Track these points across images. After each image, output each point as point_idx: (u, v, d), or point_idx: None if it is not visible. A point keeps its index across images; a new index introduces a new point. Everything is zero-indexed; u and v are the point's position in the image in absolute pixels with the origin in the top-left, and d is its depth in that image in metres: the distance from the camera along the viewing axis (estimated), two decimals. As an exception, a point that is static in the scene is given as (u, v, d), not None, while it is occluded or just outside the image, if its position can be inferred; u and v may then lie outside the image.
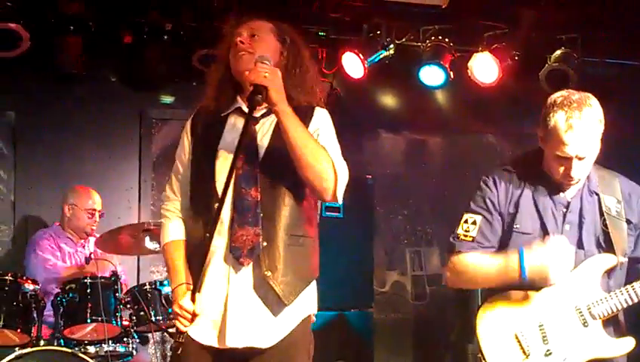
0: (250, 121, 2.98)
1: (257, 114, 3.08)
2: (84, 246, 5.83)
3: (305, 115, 3.05)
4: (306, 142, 2.93)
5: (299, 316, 3.08)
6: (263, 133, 3.09)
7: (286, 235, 3.01)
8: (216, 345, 3.01)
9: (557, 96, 3.25)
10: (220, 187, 2.95)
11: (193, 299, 2.96)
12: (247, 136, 2.95)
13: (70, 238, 5.81)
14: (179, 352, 3.00)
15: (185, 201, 3.17)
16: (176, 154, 3.24)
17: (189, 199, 3.15)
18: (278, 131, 2.99)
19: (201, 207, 3.05)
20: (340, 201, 3.03)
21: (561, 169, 3.23)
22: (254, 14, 3.21)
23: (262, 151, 3.04)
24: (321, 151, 2.96)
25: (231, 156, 2.95)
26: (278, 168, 3.01)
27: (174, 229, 3.18)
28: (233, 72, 3.11)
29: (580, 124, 3.14)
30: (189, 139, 3.18)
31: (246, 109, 3.03)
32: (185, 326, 2.99)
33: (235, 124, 3.11)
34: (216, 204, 2.91)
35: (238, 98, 3.14)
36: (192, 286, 2.99)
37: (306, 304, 3.10)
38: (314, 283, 3.16)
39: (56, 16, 6.05)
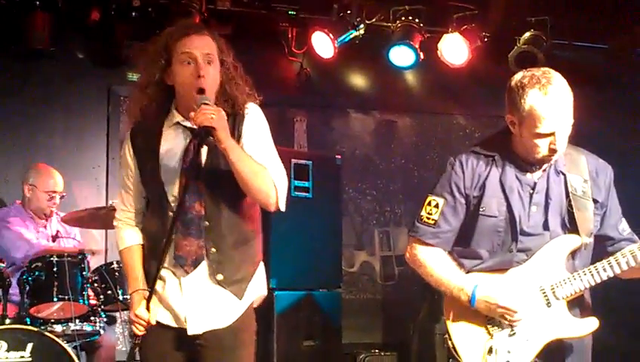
0: (192, 140, 3.15)
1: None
2: (45, 227, 5.76)
3: (235, 118, 3.18)
4: (251, 169, 3.09)
5: (249, 298, 3.25)
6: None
7: (232, 239, 3.19)
8: (175, 325, 3.21)
9: (520, 77, 3.25)
10: (171, 196, 3.15)
11: (148, 308, 3.14)
12: (192, 156, 3.13)
13: (32, 218, 5.74)
14: (136, 351, 3.22)
15: (139, 209, 3.32)
16: (122, 171, 3.35)
17: (147, 207, 3.31)
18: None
19: (157, 215, 3.22)
20: (284, 209, 3.20)
21: (544, 146, 3.22)
22: (202, 28, 3.25)
23: (203, 167, 3.16)
24: (264, 174, 3.12)
25: (174, 166, 3.16)
26: (219, 181, 3.15)
27: (129, 236, 3.33)
28: (179, 87, 3.17)
29: (556, 97, 3.16)
30: (132, 158, 3.28)
31: (186, 123, 3.17)
32: (140, 331, 3.17)
33: (174, 135, 3.21)
34: (171, 213, 3.12)
35: (175, 112, 3.22)
36: (147, 294, 3.15)
37: (255, 287, 3.27)
38: (261, 268, 3.33)
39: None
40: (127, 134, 3.31)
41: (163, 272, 3.17)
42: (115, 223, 3.39)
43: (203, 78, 3.08)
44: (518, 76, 3.27)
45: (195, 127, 3.05)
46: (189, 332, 3.17)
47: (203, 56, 3.11)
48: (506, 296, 3.25)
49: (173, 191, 3.16)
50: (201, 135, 3.01)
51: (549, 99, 3.15)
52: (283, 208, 3.20)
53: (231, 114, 3.16)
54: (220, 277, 3.15)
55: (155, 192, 3.21)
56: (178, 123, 3.19)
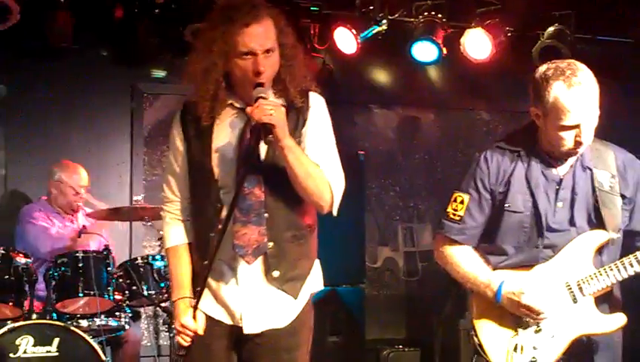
0: (250, 130, 2.97)
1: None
2: (72, 222, 5.81)
3: (299, 111, 3.05)
4: (307, 170, 2.95)
5: (305, 295, 3.12)
6: None
7: (290, 234, 3.03)
8: (229, 322, 3.05)
9: (544, 70, 3.22)
10: (222, 186, 2.99)
11: (195, 316, 3.01)
12: (250, 145, 2.97)
13: (58, 213, 5.79)
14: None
15: (185, 201, 3.15)
16: (169, 156, 3.18)
17: (191, 198, 3.12)
18: None
19: (204, 206, 3.04)
20: (336, 213, 3.07)
21: (569, 139, 3.18)
22: (255, 13, 2.95)
23: (263, 151, 3.01)
24: (321, 177, 2.98)
25: (229, 153, 3.00)
26: (279, 173, 2.99)
27: (175, 234, 3.15)
28: (235, 77, 3.01)
29: (581, 88, 3.12)
30: (181, 139, 3.11)
31: (240, 104, 3.02)
32: (186, 342, 3.03)
33: (228, 118, 3.06)
34: (218, 204, 2.98)
35: (230, 93, 3.05)
36: (193, 302, 3.02)
37: (310, 284, 3.14)
38: (317, 264, 3.19)
39: (47, -11, 6.02)
40: (177, 116, 3.13)
41: (217, 266, 3.01)
42: (162, 214, 3.21)
43: (262, 73, 2.93)
44: (542, 68, 3.24)
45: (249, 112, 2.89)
46: (246, 331, 3.01)
47: (263, 50, 2.93)
48: (530, 294, 3.23)
49: (226, 177, 2.99)
50: (260, 132, 2.88)
51: (574, 91, 3.12)
52: (335, 212, 3.06)
53: (291, 104, 3.01)
54: (275, 273, 3.00)
55: (206, 179, 3.01)
56: (232, 104, 3.04)
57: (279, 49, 3.00)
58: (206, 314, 3.06)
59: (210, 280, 3.03)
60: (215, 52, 2.95)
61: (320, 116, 3.11)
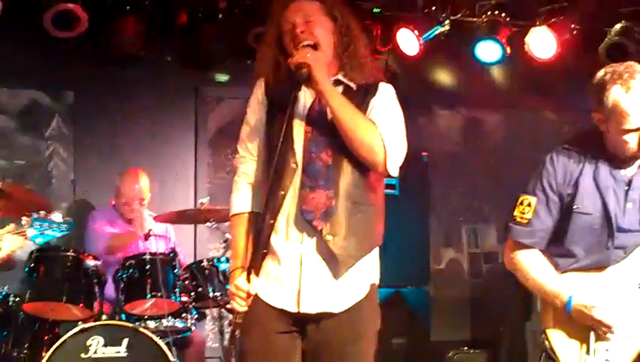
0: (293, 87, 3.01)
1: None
2: (135, 226, 5.82)
3: (367, 92, 3.07)
4: (352, 116, 2.96)
5: (365, 283, 3.08)
6: None
7: (349, 201, 3.01)
8: (290, 309, 3.02)
9: (602, 74, 3.18)
10: (298, 148, 3.01)
11: (249, 279, 2.97)
12: (313, 104, 3.05)
13: (122, 218, 5.86)
14: (236, 334, 3.04)
15: (260, 159, 3.15)
16: (248, 115, 3.21)
17: (264, 162, 3.13)
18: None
19: (277, 169, 2.99)
20: (395, 175, 3.03)
21: (633, 142, 3.15)
22: None
23: (330, 117, 3.02)
24: (369, 125, 2.97)
25: (300, 117, 3.04)
26: (344, 143, 3.00)
27: (241, 200, 3.16)
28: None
29: (639, 91, 3.09)
30: (261, 102, 3.17)
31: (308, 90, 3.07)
32: (241, 306, 2.99)
33: (305, 92, 3.09)
34: (294, 165, 2.99)
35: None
36: (248, 267, 3.00)
37: (369, 271, 3.11)
38: (376, 252, 3.16)
39: (113, -4, 6.14)
40: (260, 81, 3.19)
41: (277, 240, 3.00)
42: (235, 178, 3.20)
43: (300, 35, 3.01)
44: (600, 73, 3.21)
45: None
46: (302, 310, 2.98)
47: (301, 21, 3.04)
48: (602, 309, 3.17)
49: (298, 143, 3.02)
50: (296, 75, 2.92)
51: (632, 95, 3.09)
52: (394, 173, 3.00)
53: (358, 85, 3.05)
54: (329, 238, 2.96)
55: (277, 143, 2.95)
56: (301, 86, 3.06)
57: (333, 24, 3.08)
58: (264, 302, 3.03)
59: (268, 260, 3.02)
60: (272, 29, 3.12)
61: (388, 97, 3.11)
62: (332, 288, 3.01)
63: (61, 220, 4.33)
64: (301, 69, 2.91)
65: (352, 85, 3.10)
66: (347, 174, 3.01)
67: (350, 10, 3.20)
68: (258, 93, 3.20)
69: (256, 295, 3.01)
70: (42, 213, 4.37)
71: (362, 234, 3.04)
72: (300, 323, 3.04)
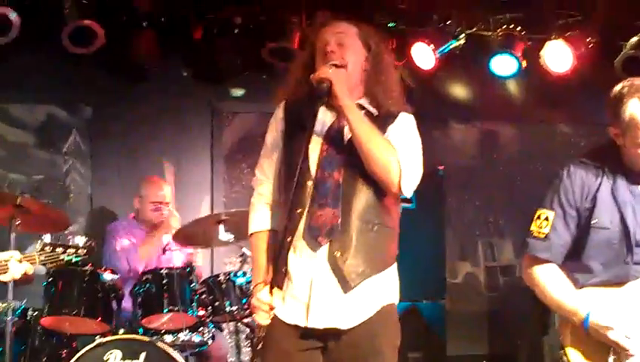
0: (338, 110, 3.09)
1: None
2: (155, 237, 5.83)
3: (387, 119, 3.13)
4: (370, 133, 3.01)
5: (376, 302, 3.10)
6: None
7: (360, 221, 3.06)
8: (301, 324, 3.07)
9: (619, 88, 3.19)
10: (312, 166, 3.07)
11: (271, 292, 3.02)
12: (332, 124, 3.11)
13: (142, 230, 5.88)
14: (259, 347, 3.10)
15: (276, 180, 3.23)
16: (268, 137, 3.29)
17: (280, 180, 3.21)
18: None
19: (298, 184, 3.05)
20: (409, 196, 3.08)
21: None
22: (339, 15, 3.25)
23: (347, 138, 3.09)
24: (385, 144, 3.03)
25: (318, 137, 3.09)
26: (360, 161, 3.05)
27: (259, 219, 3.25)
28: None
29: None
30: (280, 124, 3.24)
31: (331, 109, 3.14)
32: (264, 319, 3.04)
33: (326, 113, 3.16)
34: (310, 182, 3.05)
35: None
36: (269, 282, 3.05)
37: (383, 292, 3.13)
38: (393, 273, 3.20)
39: (130, 12, 6.17)
40: (281, 104, 3.27)
41: (291, 256, 3.06)
42: (252, 200, 3.30)
43: (330, 54, 3.09)
44: (618, 87, 3.21)
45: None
46: (310, 325, 3.04)
47: (334, 42, 3.11)
48: (618, 331, 3.15)
49: (312, 161, 3.08)
50: (317, 89, 2.98)
51: None
52: (408, 193, 3.05)
53: (381, 111, 3.11)
54: (337, 254, 3.02)
55: (295, 162, 3.03)
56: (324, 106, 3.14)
57: (366, 51, 3.16)
58: (280, 320, 3.09)
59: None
60: (307, 50, 3.22)
61: (408, 125, 3.16)
62: (341, 304, 3.05)
63: (82, 244, 4.19)
64: (322, 83, 2.98)
65: (374, 111, 3.14)
66: (361, 194, 3.07)
67: (387, 46, 3.30)
68: (278, 114, 3.27)
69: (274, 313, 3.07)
70: (59, 235, 4.20)
71: (373, 253, 3.09)
72: (322, 339, 3.08)
